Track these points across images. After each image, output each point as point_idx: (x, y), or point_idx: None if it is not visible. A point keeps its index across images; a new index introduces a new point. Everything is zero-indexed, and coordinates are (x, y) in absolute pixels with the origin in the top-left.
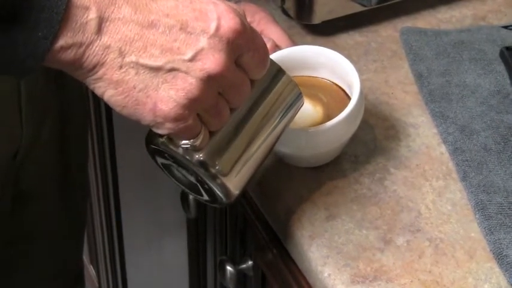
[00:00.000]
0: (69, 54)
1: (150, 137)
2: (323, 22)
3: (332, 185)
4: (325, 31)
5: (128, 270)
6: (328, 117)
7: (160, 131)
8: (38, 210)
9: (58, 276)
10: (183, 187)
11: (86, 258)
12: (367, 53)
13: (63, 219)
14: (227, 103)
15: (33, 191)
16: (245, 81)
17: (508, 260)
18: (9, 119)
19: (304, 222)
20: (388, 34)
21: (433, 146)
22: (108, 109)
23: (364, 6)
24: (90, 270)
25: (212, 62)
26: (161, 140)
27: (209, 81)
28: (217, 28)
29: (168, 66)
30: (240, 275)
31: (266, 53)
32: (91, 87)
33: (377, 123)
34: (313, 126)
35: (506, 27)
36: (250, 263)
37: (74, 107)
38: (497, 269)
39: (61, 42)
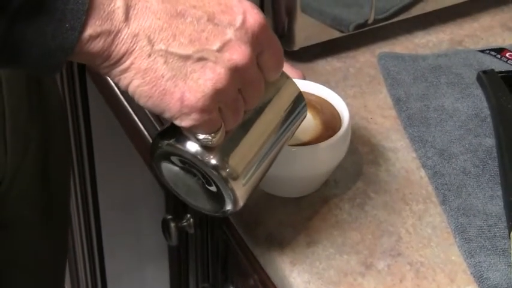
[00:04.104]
0: (98, 44)
1: (157, 143)
2: (301, 48)
3: (312, 211)
4: (303, 57)
5: None
6: (325, 129)
7: (183, 123)
8: (20, 238)
9: None
10: (189, 201)
11: (67, 286)
12: (346, 79)
13: (45, 247)
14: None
15: (16, 219)
16: (262, 81)
17: (488, 282)
18: None
19: (285, 248)
20: (365, 59)
21: (412, 170)
22: (89, 137)
23: (342, 32)
24: None
25: (239, 53)
26: (169, 142)
27: (235, 72)
28: (243, 22)
29: (197, 55)
30: None
31: (282, 54)
32: (116, 79)
33: (356, 148)
34: (310, 141)
35: (482, 51)
36: None
37: (55, 136)
38: None
39: (89, 31)
